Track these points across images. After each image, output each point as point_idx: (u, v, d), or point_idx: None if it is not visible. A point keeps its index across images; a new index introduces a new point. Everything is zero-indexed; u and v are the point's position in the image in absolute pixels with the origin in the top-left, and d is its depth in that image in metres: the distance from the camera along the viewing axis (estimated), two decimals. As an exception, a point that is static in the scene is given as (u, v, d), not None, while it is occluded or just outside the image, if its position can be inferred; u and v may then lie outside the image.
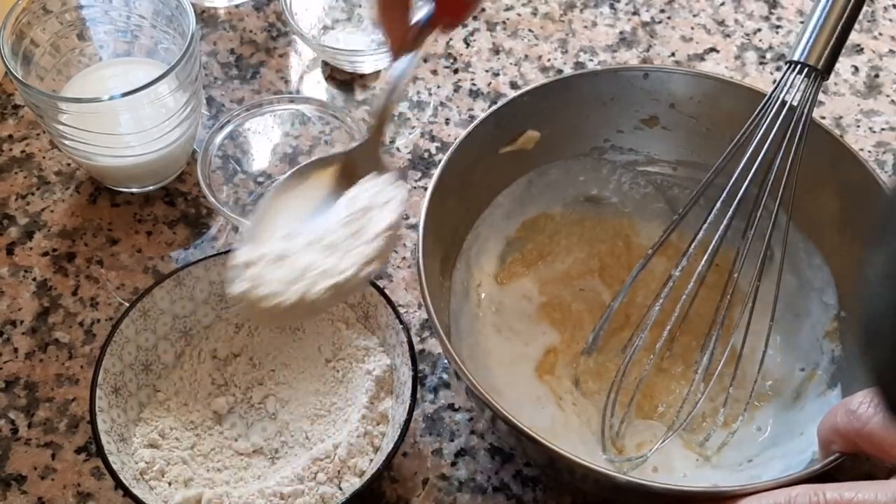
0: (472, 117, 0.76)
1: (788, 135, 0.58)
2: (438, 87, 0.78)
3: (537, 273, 0.67)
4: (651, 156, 0.69)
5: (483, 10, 0.82)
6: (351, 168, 0.55)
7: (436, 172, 0.61)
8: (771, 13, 0.83)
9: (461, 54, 0.80)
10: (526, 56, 0.80)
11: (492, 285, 0.66)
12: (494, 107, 0.64)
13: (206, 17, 0.82)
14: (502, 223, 0.68)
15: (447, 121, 0.76)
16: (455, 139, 0.63)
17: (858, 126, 0.76)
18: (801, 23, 0.81)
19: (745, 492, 0.51)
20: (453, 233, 0.65)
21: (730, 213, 0.59)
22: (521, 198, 0.68)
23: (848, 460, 0.53)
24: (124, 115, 0.66)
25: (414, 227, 0.70)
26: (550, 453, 0.52)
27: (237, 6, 0.82)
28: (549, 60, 0.80)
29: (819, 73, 0.58)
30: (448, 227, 0.63)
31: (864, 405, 0.51)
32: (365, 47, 0.79)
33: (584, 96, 0.66)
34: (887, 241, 0.35)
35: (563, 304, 0.67)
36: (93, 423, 0.57)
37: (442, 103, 0.77)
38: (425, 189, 0.61)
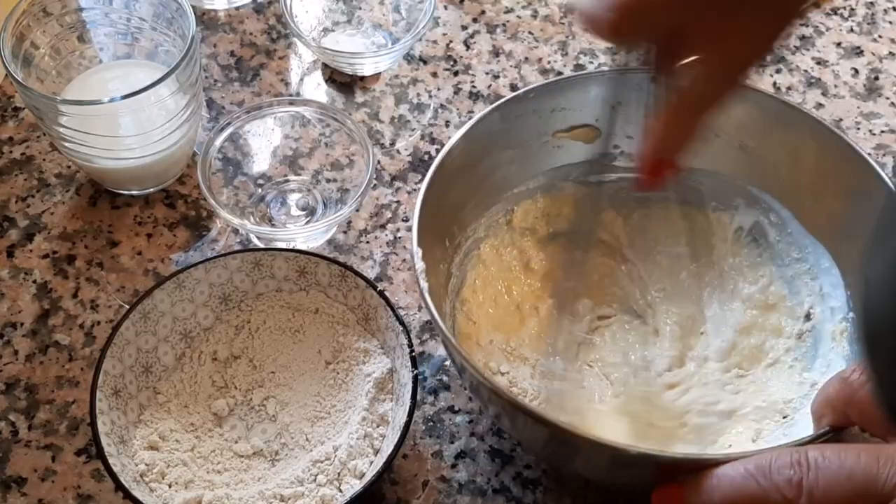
0: (472, 120, 0.76)
1: None
2: (439, 89, 0.78)
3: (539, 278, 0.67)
4: None
5: (483, 12, 0.82)
6: None
7: (430, 170, 0.60)
8: (771, 15, 0.83)
9: (461, 56, 0.80)
10: (526, 58, 0.80)
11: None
12: (499, 101, 0.63)
13: (206, 20, 0.82)
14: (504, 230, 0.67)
15: (447, 123, 0.76)
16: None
17: (858, 128, 0.76)
18: (802, 25, 0.82)
19: (729, 458, 0.50)
20: (449, 233, 0.64)
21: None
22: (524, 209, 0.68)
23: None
24: (124, 117, 0.66)
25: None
26: (549, 427, 0.52)
27: (237, 8, 0.82)
28: (549, 63, 0.80)
29: None
30: (445, 227, 0.63)
31: (856, 373, 0.51)
32: (365, 50, 0.79)
33: (590, 99, 0.65)
34: (888, 245, 0.35)
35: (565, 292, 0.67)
36: (93, 425, 0.57)
37: (442, 105, 0.77)
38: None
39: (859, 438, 0.53)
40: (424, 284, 0.56)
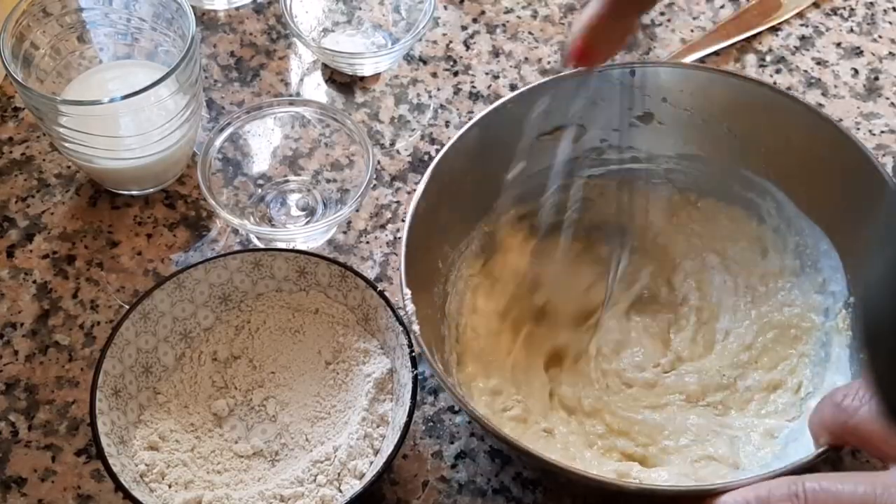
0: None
1: None
2: (438, 89, 0.78)
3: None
4: (651, 153, 0.68)
5: (483, 12, 0.82)
6: None
7: (423, 179, 0.61)
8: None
9: (461, 57, 0.80)
10: (526, 59, 0.80)
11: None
12: (479, 115, 0.63)
13: (206, 20, 0.82)
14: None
15: (447, 123, 0.76)
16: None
17: (858, 128, 0.76)
18: (802, 25, 0.82)
19: (728, 488, 0.51)
20: (441, 253, 0.64)
21: None
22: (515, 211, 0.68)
23: (851, 456, 0.53)
24: (124, 117, 0.66)
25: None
26: (543, 465, 0.53)
27: (237, 9, 0.82)
28: (549, 63, 0.80)
29: None
30: (437, 248, 0.63)
31: (848, 398, 0.51)
32: (365, 50, 0.79)
33: (569, 100, 0.65)
34: (888, 246, 0.35)
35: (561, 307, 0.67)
36: (93, 425, 0.57)
37: (442, 105, 0.77)
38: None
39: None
40: (416, 328, 0.57)
